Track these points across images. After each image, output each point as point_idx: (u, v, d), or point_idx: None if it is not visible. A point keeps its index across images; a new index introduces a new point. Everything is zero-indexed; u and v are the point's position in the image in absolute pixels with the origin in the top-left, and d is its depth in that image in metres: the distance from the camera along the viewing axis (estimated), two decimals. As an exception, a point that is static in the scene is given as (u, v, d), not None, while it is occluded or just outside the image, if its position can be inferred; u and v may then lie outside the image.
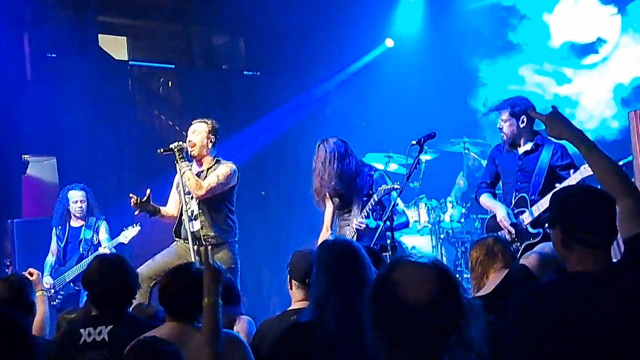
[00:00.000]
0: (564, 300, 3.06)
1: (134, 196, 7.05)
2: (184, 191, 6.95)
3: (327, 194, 7.10)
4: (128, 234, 8.37)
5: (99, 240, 8.51)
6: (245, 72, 12.18)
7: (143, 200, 7.05)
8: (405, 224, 7.12)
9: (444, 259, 9.15)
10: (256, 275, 11.06)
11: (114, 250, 8.23)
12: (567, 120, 3.64)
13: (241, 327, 5.35)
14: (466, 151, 10.03)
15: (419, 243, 9.42)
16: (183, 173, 6.93)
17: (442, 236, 9.41)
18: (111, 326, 4.20)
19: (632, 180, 5.82)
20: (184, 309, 4.08)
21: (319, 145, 7.07)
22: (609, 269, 3.12)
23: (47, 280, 8.41)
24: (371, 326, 2.55)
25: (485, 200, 7.02)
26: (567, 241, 3.16)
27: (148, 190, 7.13)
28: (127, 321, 4.29)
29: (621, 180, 3.37)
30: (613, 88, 10.47)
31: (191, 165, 7.11)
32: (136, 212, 7.18)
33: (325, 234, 7.25)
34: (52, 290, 8.36)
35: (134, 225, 8.39)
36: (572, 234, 3.14)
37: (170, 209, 7.42)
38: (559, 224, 3.21)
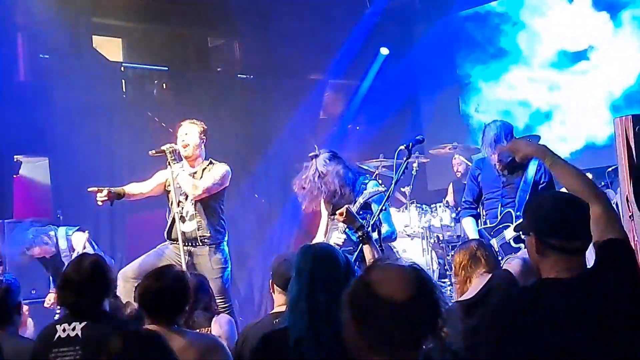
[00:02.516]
0: (537, 307, 3.10)
1: (100, 190, 7.02)
2: (177, 192, 7.01)
3: (323, 200, 7.01)
4: (79, 242, 8.17)
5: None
6: (239, 75, 12.21)
7: (104, 192, 7.01)
8: (390, 236, 6.75)
9: (434, 263, 9.18)
10: (248, 278, 11.08)
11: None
12: (528, 141, 3.74)
13: (219, 325, 5.44)
14: (456, 156, 10.09)
15: (409, 247, 9.43)
16: (177, 175, 6.99)
17: (432, 240, 9.42)
18: (85, 322, 4.23)
19: (613, 186, 5.86)
20: (163, 312, 4.15)
21: (311, 160, 6.91)
22: (581, 275, 3.15)
23: (49, 300, 8.30)
24: (348, 328, 2.57)
25: (466, 226, 7.11)
26: (541, 248, 3.19)
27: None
28: (102, 318, 4.31)
29: (587, 188, 3.44)
30: (604, 95, 10.52)
31: (183, 166, 7.15)
32: (100, 204, 7.08)
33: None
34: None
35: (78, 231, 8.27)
36: (544, 241, 3.17)
37: (142, 186, 7.41)
38: (532, 230, 3.25)
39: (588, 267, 3.27)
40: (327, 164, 6.69)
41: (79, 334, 4.20)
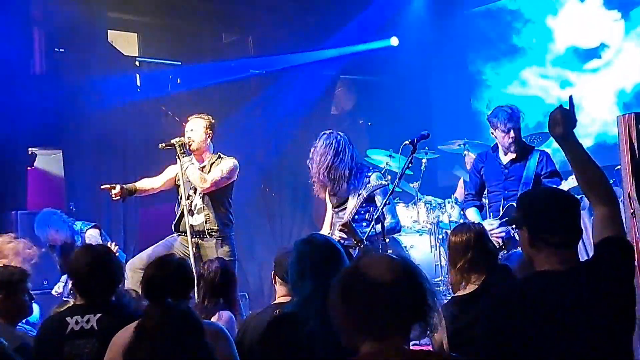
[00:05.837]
0: (531, 298, 3.18)
1: (113, 187, 7.17)
2: (186, 185, 7.09)
3: (327, 193, 7.10)
4: (94, 235, 8.20)
5: None
6: (252, 71, 12.27)
7: (117, 189, 7.15)
8: (394, 227, 6.79)
9: (442, 259, 9.21)
10: (258, 271, 11.15)
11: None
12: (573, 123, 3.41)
13: (221, 323, 5.48)
14: (466, 152, 10.09)
15: (417, 243, 9.46)
16: (186, 168, 7.07)
17: (440, 236, 9.45)
18: (100, 314, 4.23)
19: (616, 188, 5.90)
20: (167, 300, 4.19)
21: (321, 136, 6.96)
22: (574, 268, 3.23)
23: (57, 289, 8.39)
24: (338, 312, 2.67)
25: (470, 216, 7.15)
26: (534, 242, 3.27)
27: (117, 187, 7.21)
28: (115, 310, 4.33)
29: (603, 188, 3.40)
30: (615, 93, 10.54)
31: (192, 160, 7.24)
32: (117, 198, 7.25)
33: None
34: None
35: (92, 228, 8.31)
36: (537, 235, 3.26)
37: (153, 182, 7.55)
38: (525, 225, 3.33)
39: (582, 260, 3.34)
40: (332, 143, 6.78)
41: (95, 325, 4.20)
